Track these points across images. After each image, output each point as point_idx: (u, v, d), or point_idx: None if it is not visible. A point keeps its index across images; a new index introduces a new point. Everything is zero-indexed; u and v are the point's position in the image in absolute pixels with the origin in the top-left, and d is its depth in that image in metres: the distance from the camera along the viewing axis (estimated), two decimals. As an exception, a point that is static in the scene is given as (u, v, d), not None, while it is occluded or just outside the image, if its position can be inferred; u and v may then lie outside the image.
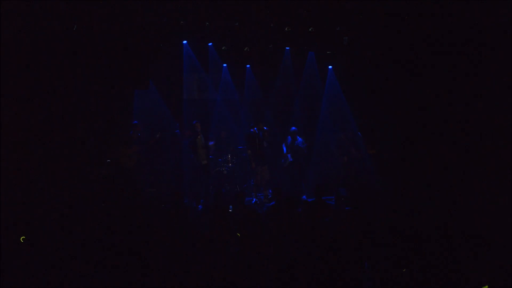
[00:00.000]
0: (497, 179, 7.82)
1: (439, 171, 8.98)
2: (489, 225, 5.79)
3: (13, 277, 4.95)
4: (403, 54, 9.59)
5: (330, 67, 11.23)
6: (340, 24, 9.49)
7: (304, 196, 10.01)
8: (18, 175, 8.53)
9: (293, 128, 10.23)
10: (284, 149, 10.27)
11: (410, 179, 9.76)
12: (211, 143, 10.32)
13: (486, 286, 4.63)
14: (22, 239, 5.54)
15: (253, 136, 9.64)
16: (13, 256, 5.31)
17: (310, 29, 9.46)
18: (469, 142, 9.33)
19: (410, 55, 9.61)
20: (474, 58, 8.71)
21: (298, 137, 10.20)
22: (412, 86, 10.10)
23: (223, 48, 10.55)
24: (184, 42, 10.36)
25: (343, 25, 9.50)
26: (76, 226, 6.01)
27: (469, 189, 7.82)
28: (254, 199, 9.70)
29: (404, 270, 5.21)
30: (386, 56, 9.93)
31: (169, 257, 5.61)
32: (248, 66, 11.23)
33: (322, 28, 9.45)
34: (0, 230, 5.73)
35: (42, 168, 9.05)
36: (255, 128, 9.70)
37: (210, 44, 10.50)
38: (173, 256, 5.72)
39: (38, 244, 5.59)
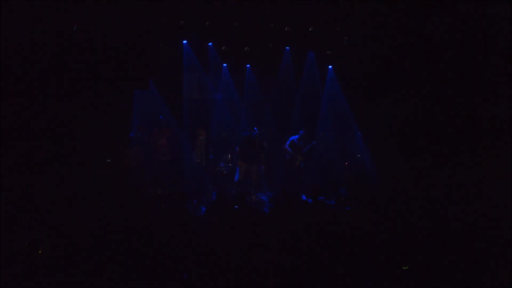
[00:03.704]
0: (498, 180, 7.81)
1: (440, 171, 8.97)
2: (490, 226, 5.80)
3: (13, 277, 4.95)
4: (404, 54, 9.58)
5: (330, 67, 11.23)
6: (340, 24, 9.49)
7: (304, 197, 10.02)
8: (17, 175, 8.53)
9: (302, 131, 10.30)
10: (290, 150, 10.30)
11: (410, 179, 9.75)
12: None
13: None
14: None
15: (252, 138, 9.71)
16: (13, 256, 5.31)
17: (310, 29, 9.45)
18: (470, 142, 9.32)
19: (410, 55, 9.61)
20: (476, 58, 8.70)
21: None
22: (412, 85, 10.09)
23: (223, 48, 10.55)
24: (184, 42, 10.36)
25: (343, 25, 9.49)
26: (76, 226, 6.00)
27: (470, 190, 7.81)
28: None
29: (405, 268, 5.21)
30: (386, 55, 9.92)
31: (170, 258, 5.61)
32: (248, 66, 11.23)
33: (322, 28, 9.44)
34: (0, 230, 5.73)
35: (41, 169, 9.04)
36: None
37: (210, 44, 10.50)
38: (174, 257, 5.72)
39: (37, 245, 5.59)
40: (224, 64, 11.11)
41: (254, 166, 9.81)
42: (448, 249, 5.36)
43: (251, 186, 9.79)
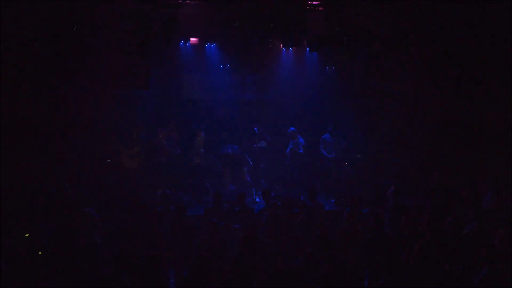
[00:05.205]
0: (499, 179, 7.81)
1: (440, 171, 8.97)
2: (491, 226, 5.79)
3: (13, 277, 4.95)
4: (403, 54, 9.58)
5: (328, 67, 11.26)
6: (340, 24, 9.48)
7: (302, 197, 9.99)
8: (18, 176, 8.53)
9: (292, 128, 10.22)
10: (288, 149, 10.28)
11: (410, 179, 9.75)
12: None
13: None
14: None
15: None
16: (12, 256, 5.31)
17: (310, 29, 9.44)
18: (469, 142, 9.31)
19: (410, 55, 9.61)
20: (476, 58, 8.69)
21: (299, 136, 10.19)
22: (412, 86, 10.09)
23: (223, 46, 10.55)
24: (184, 42, 10.34)
25: (343, 25, 9.48)
26: (76, 226, 6.00)
27: (469, 188, 7.81)
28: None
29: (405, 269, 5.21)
30: (386, 55, 9.92)
31: (170, 258, 5.61)
32: (248, 65, 11.23)
33: (323, 27, 9.43)
34: (0, 230, 5.72)
35: (42, 169, 9.04)
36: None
37: (210, 44, 10.50)
38: (173, 257, 5.72)
39: (37, 244, 5.59)
40: (223, 64, 11.13)
41: (238, 170, 9.81)
42: (451, 250, 5.36)
43: (250, 187, 9.79)
